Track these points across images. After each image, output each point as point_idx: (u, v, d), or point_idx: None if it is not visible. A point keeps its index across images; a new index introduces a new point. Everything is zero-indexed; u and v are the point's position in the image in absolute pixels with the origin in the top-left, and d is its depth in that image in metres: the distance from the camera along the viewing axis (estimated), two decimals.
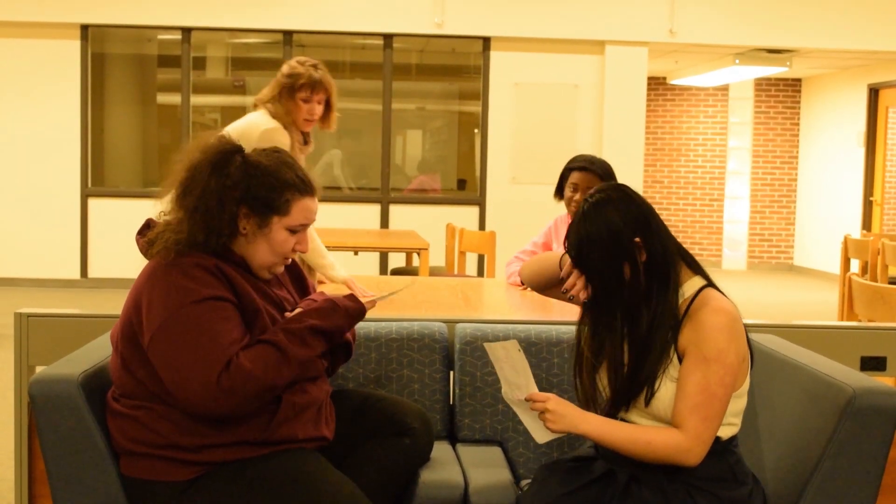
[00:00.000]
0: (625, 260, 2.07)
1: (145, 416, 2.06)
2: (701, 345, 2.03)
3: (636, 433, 2.04)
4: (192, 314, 2.01)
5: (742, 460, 2.17)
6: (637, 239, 2.07)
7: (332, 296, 2.23)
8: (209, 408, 1.99)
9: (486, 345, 2.15)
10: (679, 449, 2.01)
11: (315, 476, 2.05)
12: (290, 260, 2.23)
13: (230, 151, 2.14)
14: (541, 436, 2.14)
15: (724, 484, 2.08)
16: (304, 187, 2.16)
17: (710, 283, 2.13)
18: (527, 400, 2.11)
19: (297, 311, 2.17)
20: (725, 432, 2.10)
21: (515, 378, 2.12)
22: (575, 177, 3.69)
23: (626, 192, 2.15)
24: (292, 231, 2.15)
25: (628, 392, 2.10)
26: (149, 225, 2.19)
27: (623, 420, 2.13)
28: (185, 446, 2.04)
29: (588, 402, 2.18)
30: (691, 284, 2.13)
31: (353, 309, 2.20)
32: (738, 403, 2.12)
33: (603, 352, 2.16)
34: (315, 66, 3.66)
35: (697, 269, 2.16)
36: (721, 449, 2.09)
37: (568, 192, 3.71)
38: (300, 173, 2.17)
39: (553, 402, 2.06)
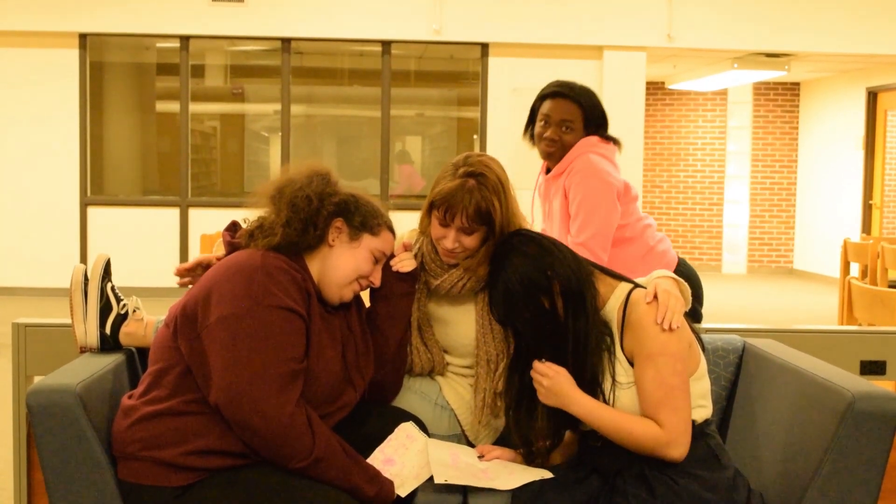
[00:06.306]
0: (542, 295, 2.13)
1: (158, 414, 2.06)
2: (643, 344, 2.09)
3: (621, 422, 2.10)
4: (266, 317, 2.03)
5: (723, 446, 2.21)
6: (548, 272, 2.13)
7: (382, 476, 2.16)
8: (233, 406, 1.98)
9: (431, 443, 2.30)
10: (659, 441, 2.06)
11: (311, 483, 2.04)
12: (359, 290, 2.30)
13: (330, 172, 2.29)
14: (502, 483, 2.18)
15: (706, 465, 2.11)
16: (391, 224, 2.35)
17: (637, 285, 2.19)
18: (534, 367, 2.16)
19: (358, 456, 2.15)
20: (698, 415, 2.15)
21: (448, 453, 2.17)
22: (547, 106, 3.09)
23: (523, 234, 2.25)
24: (374, 259, 2.28)
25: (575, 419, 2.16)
26: (235, 226, 2.30)
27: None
28: (187, 449, 2.03)
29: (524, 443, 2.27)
30: (620, 291, 2.18)
31: (385, 492, 2.14)
32: (700, 386, 2.17)
33: (523, 395, 2.23)
34: None
35: (619, 277, 2.23)
36: (698, 432, 2.13)
37: (538, 127, 3.11)
38: (387, 215, 2.37)
39: (550, 378, 2.12)
